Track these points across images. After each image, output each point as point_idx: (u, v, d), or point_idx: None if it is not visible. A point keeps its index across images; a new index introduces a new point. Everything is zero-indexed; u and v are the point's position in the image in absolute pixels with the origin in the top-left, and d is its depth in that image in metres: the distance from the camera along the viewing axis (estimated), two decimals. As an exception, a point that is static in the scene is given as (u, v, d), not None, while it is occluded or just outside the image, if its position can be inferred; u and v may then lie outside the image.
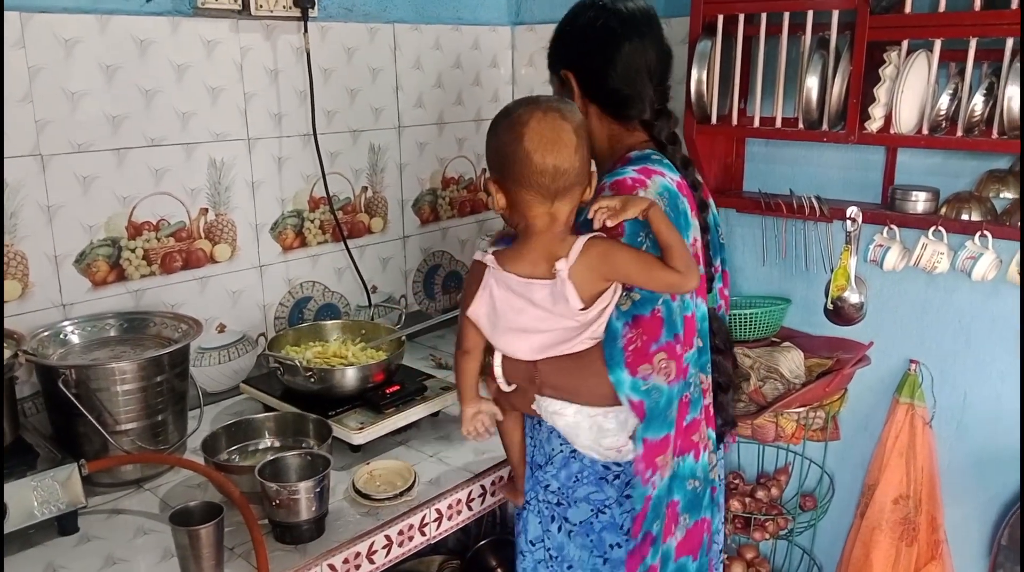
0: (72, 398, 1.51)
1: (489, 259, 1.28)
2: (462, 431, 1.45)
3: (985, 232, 1.76)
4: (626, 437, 1.35)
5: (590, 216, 1.25)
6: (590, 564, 1.45)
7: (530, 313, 1.27)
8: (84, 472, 1.46)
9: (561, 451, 1.44)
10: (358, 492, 1.57)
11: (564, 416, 1.36)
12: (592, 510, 1.43)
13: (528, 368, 1.33)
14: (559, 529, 1.47)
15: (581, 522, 1.44)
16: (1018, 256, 1.75)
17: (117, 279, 1.84)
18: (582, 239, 1.25)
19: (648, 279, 1.25)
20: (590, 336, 1.27)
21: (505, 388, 1.38)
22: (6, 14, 1.60)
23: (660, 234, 1.25)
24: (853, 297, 1.97)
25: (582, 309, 1.25)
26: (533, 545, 1.52)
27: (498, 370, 1.36)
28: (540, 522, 1.50)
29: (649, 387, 1.25)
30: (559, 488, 1.45)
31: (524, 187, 1.22)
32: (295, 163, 2.11)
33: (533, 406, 1.39)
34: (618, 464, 1.40)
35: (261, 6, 1.92)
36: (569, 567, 1.47)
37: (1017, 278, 1.76)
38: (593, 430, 1.35)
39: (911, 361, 2.05)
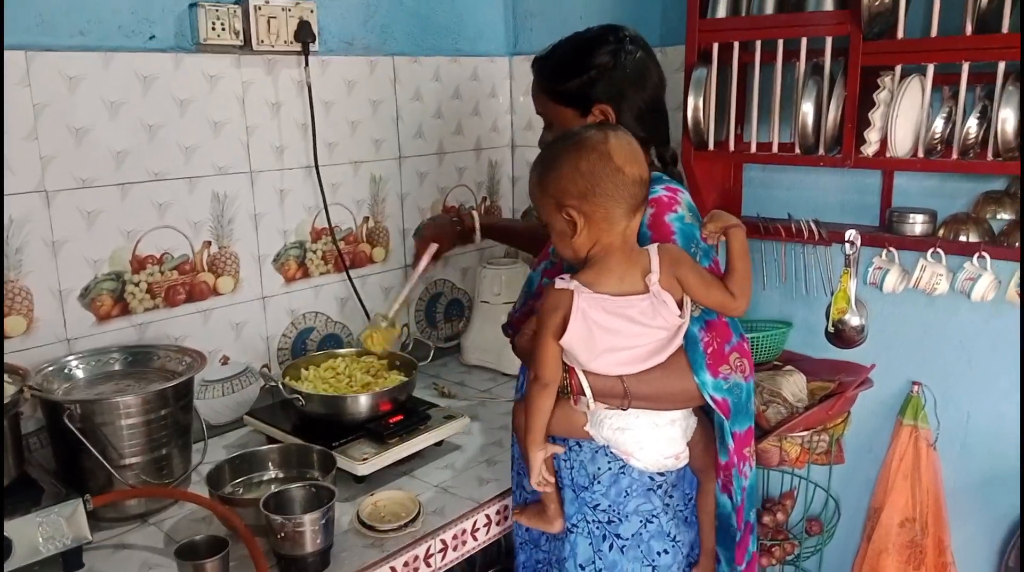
0: (77, 433, 1.51)
1: (575, 285, 1.27)
2: (532, 481, 1.39)
3: (983, 253, 1.77)
4: (684, 444, 1.39)
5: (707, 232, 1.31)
6: None
7: (626, 330, 1.28)
8: (89, 507, 1.45)
9: (609, 468, 1.44)
10: (363, 523, 1.57)
11: (631, 429, 1.36)
12: (641, 521, 1.45)
13: (615, 384, 1.32)
14: (611, 547, 1.46)
15: (632, 535, 1.46)
16: (1017, 276, 1.75)
17: (121, 313, 1.85)
18: (653, 248, 1.30)
19: (705, 293, 1.31)
20: (677, 343, 1.32)
21: (592, 408, 1.35)
22: (11, 53, 1.62)
23: (732, 253, 1.31)
24: (854, 320, 1.97)
25: (680, 315, 1.29)
26: (583, 568, 1.49)
27: (588, 390, 1.32)
28: (591, 543, 1.48)
29: (730, 385, 1.33)
30: (609, 506, 1.45)
31: (615, 202, 1.25)
32: (297, 195, 2.13)
33: (586, 428, 1.38)
34: (661, 474, 1.44)
35: (262, 41, 1.95)
36: None
37: (1016, 298, 1.77)
38: (660, 440, 1.37)
39: (913, 383, 2.05)
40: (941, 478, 2.03)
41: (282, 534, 1.40)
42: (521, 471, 1.63)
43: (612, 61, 1.45)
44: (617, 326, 1.27)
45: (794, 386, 2.00)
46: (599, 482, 1.45)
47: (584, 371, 1.33)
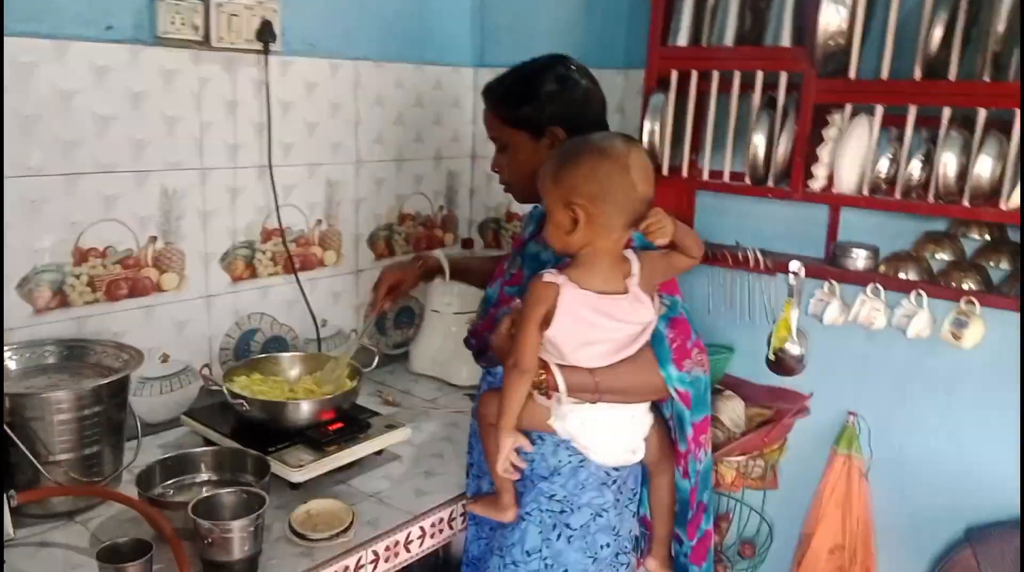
0: (5, 427, 1.47)
1: (562, 279, 1.35)
2: (498, 468, 1.44)
3: (920, 291, 1.81)
4: (642, 439, 1.49)
5: (647, 231, 1.35)
6: (581, 565, 1.54)
7: (604, 325, 1.37)
8: (13, 503, 1.43)
9: (570, 461, 1.53)
10: (294, 532, 1.55)
11: (593, 424, 1.43)
12: (592, 514, 1.54)
13: (587, 379, 1.40)
14: (558, 536, 1.54)
15: (581, 526, 1.54)
16: (951, 316, 1.79)
17: (60, 305, 1.82)
18: (632, 255, 1.40)
19: (672, 266, 1.43)
20: (646, 337, 1.42)
21: (566, 401, 1.41)
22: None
23: (680, 240, 1.38)
24: (794, 349, 2.01)
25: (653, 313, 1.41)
26: (529, 555, 1.54)
27: (562, 384, 1.39)
28: (540, 532, 1.54)
29: (693, 378, 1.46)
30: (565, 496, 1.53)
31: (620, 212, 1.33)
32: (249, 194, 2.11)
33: (550, 422, 1.45)
34: (616, 469, 1.53)
35: (222, 38, 1.93)
36: (564, 571, 1.54)
37: (951, 338, 1.81)
38: (621, 435, 1.46)
39: (849, 413, 2.09)
40: (871, 508, 2.08)
41: (209, 539, 1.39)
42: (481, 474, 1.69)
43: (562, 87, 1.56)
44: (597, 321, 1.36)
45: (732, 411, 2.03)
46: (559, 474, 1.53)
47: (559, 366, 1.40)
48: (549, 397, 1.42)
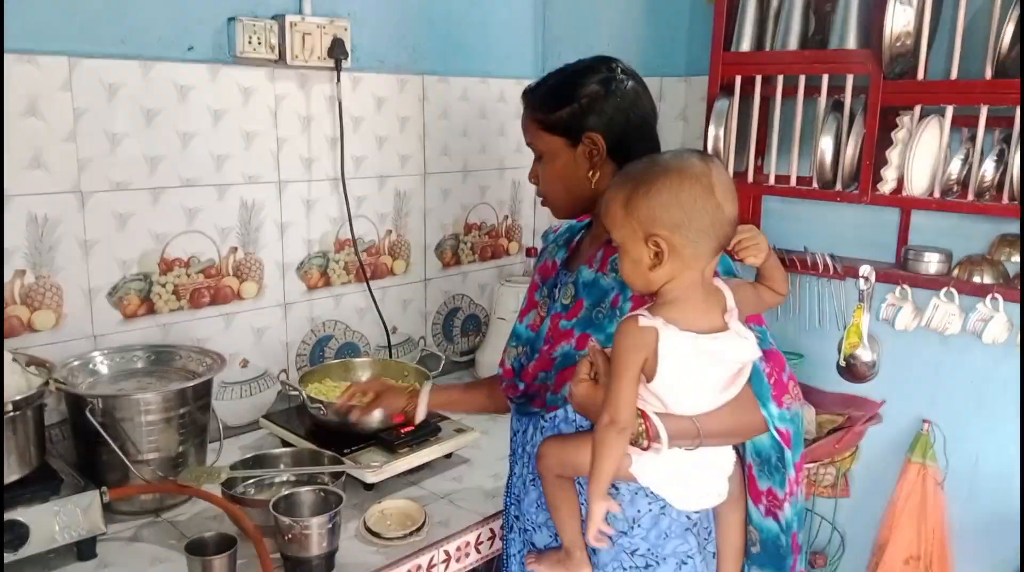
0: (98, 427, 1.56)
1: (660, 322, 1.19)
2: (589, 536, 1.27)
3: (996, 295, 1.78)
4: (727, 480, 1.35)
5: (739, 248, 1.24)
6: None
7: (708, 368, 1.23)
8: (105, 499, 1.50)
9: (650, 510, 1.38)
10: (369, 530, 1.60)
11: (679, 469, 1.30)
12: (677, 563, 1.40)
13: (688, 424, 1.25)
14: None
15: None
16: (1029, 319, 1.76)
17: (147, 312, 1.91)
18: (723, 285, 1.26)
19: (760, 301, 1.31)
20: (746, 376, 1.27)
21: (666, 451, 1.26)
22: (54, 58, 1.70)
23: (770, 271, 1.29)
24: (865, 355, 1.99)
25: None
26: None
27: (664, 435, 1.24)
28: None
29: (793, 414, 1.34)
30: (648, 550, 1.39)
31: (708, 239, 1.19)
32: (323, 206, 2.19)
33: (631, 469, 1.30)
34: (696, 512, 1.40)
35: (296, 56, 2.00)
36: None
37: (1028, 342, 1.78)
38: (707, 479, 1.33)
39: (924, 421, 2.05)
40: (947, 517, 2.03)
41: (289, 536, 1.44)
42: (533, 527, 1.51)
43: (603, 90, 1.39)
44: (698, 362, 1.22)
45: (802, 418, 2.01)
46: (639, 525, 1.38)
47: (657, 413, 1.26)
48: (646, 448, 1.26)
